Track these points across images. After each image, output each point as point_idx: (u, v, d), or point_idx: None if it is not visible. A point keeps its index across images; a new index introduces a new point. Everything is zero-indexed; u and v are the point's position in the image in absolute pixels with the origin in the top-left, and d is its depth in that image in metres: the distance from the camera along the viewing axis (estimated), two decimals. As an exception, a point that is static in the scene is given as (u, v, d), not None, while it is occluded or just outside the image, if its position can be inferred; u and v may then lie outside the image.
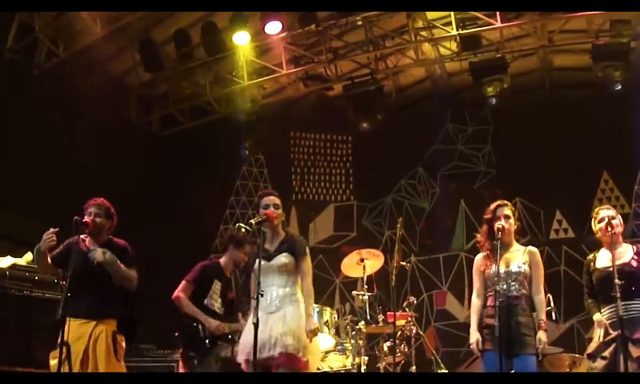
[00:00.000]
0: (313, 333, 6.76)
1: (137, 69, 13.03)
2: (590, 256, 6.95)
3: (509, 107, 13.51)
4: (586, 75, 13.13)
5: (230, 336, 8.43)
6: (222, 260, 8.95)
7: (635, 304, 6.50)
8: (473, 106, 14.36)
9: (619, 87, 12.43)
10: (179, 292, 8.56)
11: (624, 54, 12.07)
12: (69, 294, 6.49)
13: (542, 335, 6.59)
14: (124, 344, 7.20)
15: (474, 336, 6.82)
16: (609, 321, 6.61)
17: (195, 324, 8.45)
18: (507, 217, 7.04)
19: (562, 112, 13.80)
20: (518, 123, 13.82)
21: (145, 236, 12.14)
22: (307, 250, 7.15)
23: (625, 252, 6.75)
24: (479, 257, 7.15)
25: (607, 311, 6.66)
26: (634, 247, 6.86)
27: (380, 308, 10.40)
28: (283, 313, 6.77)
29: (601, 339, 6.60)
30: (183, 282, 8.63)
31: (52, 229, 6.92)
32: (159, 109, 14.20)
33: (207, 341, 8.38)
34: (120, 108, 13.55)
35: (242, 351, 6.80)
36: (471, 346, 6.84)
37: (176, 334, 8.64)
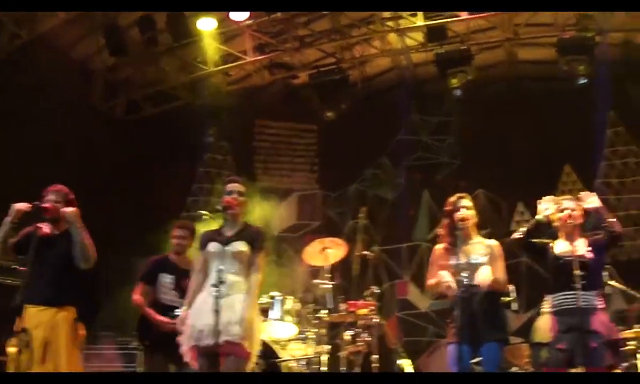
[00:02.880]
0: (252, 324, 6.67)
1: (102, 54, 12.91)
2: (549, 241, 6.98)
3: (474, 99, 13.57)
4: (551, 68, 13.26)
5: None
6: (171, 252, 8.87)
7: (589, 295, 6.56)
8: (438, 97, 14.39)
9: (583, 81, 12.56)
10: (134, 293, 8.53)
11: (588, 48, 12.21)
12: (27, 281, 6.42)
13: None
14: (83, 332, 7.11)
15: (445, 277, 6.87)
16: (561, 308, 6.65)
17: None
18: (467, 208, 7.08)
19: (526, 105, 13.90)
20: (482, 115, 13.87)
21: (108, 221, 12.09)
22: (265, 245, 7.09)
23: (581, 245, 6.82)
24: (438, 247, 7.18)
25: (560, 298, 6.69)
26: (587, 240, 6.92)
27: (343, 297, 10.40)
28: (232, 299, 6.71)
29: (556, 327, 6.63)
30: (139, 283, 8.61)
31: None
32: (123, 94, 14.10)
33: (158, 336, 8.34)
34: (84, 92, 13.42)
35: (190, 336, 6.73)
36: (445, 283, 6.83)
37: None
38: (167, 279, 8.56)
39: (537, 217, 7.02)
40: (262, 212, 9.24)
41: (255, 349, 6.89)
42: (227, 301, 6.65)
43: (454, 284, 6.79)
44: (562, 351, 6.45)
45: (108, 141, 12.75)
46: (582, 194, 6.99)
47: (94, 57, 13.37)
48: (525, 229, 7.00)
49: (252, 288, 6.88)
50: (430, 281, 7.17)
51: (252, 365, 7.00)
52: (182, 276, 8.51)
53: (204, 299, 6.68)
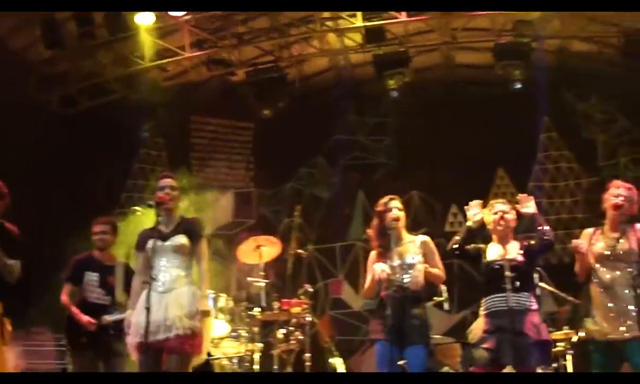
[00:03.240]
0: (204, 315, 6.72)
1: (38, 46, 12.68)
2: (482, 246, 7.08)
3: (410, 100, 13.67)
4: (487, 73, 13.40)
5: (115, 326, 8.26)
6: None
7: (520, 297, 6.67)
8: (375, 98, 14.46)
9: (519, 86, 12.75)
10: (62, 294, 8.45)
11: (525, 53, 12.38)
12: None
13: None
14: (10, 327, 6.96)
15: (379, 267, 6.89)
16: (492, 310, 6.74)
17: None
18: (399, 209, 7.14)
19: (461, 108, 14.05)
20: (418, 117, 13.98)
21: (42, 214, 11.94)
22: (204, 233, 7.10)
23: (513, 248, 6.92)
24: (373, 253, 7.23)
25: (492, 300, 6.79)
26: (520, 243, 7.03)
27: (276, 295, 10.40)
28: (177, 294, 6.69)
29: (484, 328, 6.72)
30: (65, 284, 8.52)
31: None
32: (59, 87, 13.85)
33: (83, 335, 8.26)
34: (20, 84, 13.17)
35: (135, 333, 6.69)
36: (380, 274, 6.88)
37: None
38: (92, 277, 8.45)
39: (467, 224, 7.11)
40: (197, 209, 9.20)
41: (207, 343, 6.91)
42: (171, 295, 6.64)
43: (387, 269, 6.84)
44: (489, 351, 6.54)
45: (43, 134, 12.53)
46: (520, 196, 7.07)
47: (30, 48, 13.13)
48: (458, 238, 7.07)
49: (201, 277, 6.89)
50: (366, 283, 7.22)
51: (203, 358, 7.03)
52: (106, 272, 8.47)
53: (146, 296, 6.62)
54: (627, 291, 6.61)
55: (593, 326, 6.79)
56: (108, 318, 8.23)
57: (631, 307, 6.50)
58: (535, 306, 6.81)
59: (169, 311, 6.54)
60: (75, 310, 8.28)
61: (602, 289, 6.76)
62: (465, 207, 7.20)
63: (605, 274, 6.77)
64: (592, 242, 6.99)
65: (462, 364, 7.52)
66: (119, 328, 7.92)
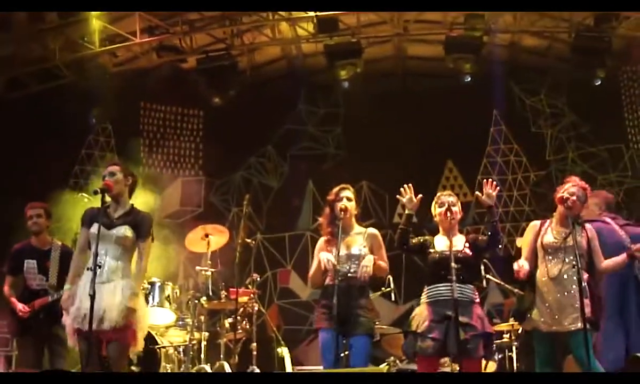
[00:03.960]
0: (132, 311, 6.65)
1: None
2: (428, 238, 7.10)
3: (361, 91, 13.68)
4: (438, 65, 13.50)
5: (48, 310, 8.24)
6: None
7: (465, 289, 6.71)
8: (326, 88, 14.46)
9: (468, 79, 12.87)
10: (5, 285, 8.49)
11: (475, 47, 12.50)
12: None
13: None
14: None
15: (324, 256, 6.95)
16: (435, 299, 6.77)
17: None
18: (349, 199, 7.16)
19: (412, 100, 14.10)
20: (369, 108, 13.98)
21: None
22: (151, 231, 7.03)
23: (460, 241, 6.96)
24: (321, 240, 7.24)
25: (436, 289, 6.81)
26: (466, 236, 7.08)
27: (224, 284, 10.36)
28: (114, 285, 6.66)
29: (429, 317, 6.74)
30: (6, 276, 8.54)
31: None
32: (5, 71, 13.60)
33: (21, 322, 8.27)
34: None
35: (75, 317, 6.63)
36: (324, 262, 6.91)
37: None
38: (30, 264, 8.43)
39: (406, 212, 7.10)
40: (145, 196, 9.11)
41: (143, 334, 6.87)
42: (109, 287, 6.62)
43: (332, 259, 6.87)
44: (435, 341, 6.57)
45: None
46: (487, 181, 7.03)
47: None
48: (402, 229, 7.05)
49: (137, 274, 6.85)
50: (311, 270, 7.23)
51: (138, 350, 7.00)
52: (44, 258, 8.47)
53: (84, 283, 6.60)
54: (572, 285, 6.68)
55: (538, 317, 6.86)
56: (39, 302, 8.21)
57: (575, 300, 6.56)
58: (478, 299, 6.89)
59: (103, 302, 6.51)
60: (12, 299, 8.31)
61: (548, 281, 6.85)
62: (398, 196, 7.18)
63: (552, 266, 6.87)
64: (541, 233, 7.06)
65: (405, 352, 7.51)
66: (52, 312, 7.95)
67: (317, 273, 7.13)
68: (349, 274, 6.88)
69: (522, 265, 6.88)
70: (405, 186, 7.13)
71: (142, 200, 7.79)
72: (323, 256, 6.96)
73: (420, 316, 6.80)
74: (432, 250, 6.96)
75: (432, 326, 6.63)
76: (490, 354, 7.00)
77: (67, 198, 12.37)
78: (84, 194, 9.96)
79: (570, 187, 7.03)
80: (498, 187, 6.94)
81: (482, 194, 6.88)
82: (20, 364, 8.42)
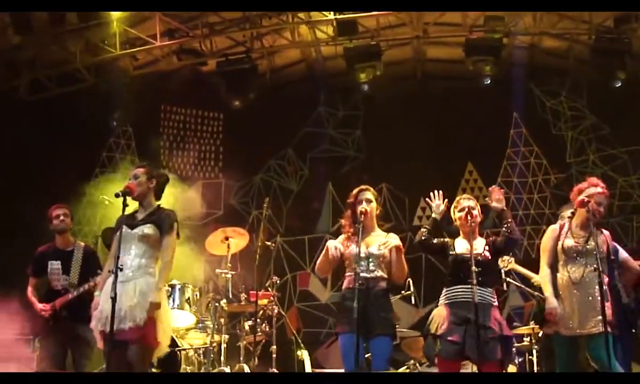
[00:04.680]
0: (154, 307, 6.66)
1: (6, 32, 12.50)
2: (449, 240, 7.11)
3: (381, 94, 13.68)
4: (457, 68, 13.47)
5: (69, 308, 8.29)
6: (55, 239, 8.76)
7: (484, 292, 6.70)
8: (345, 91, 14.45)
9: (488, 81, 12.82)
10: (29, 286, 8.54)
11: (495, 49, 12.45)
12: None
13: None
14: None
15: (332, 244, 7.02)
16: (456, 300, 6.77)
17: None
18: (369, 201, 7.15)
19: (432, 102, 14.09)
20: (388, 111, 13.99)
21: (7, 203, 11.82)
22: (175, 226, 7.05)
23: (480, 244, 6.96)
24: (340, 238, 7.24)
25: (455, 291, 6.82)
26: (486, 240, 7.09)
27: (244, 286, 10.37)
28: (134, 284, 6.67)
29: (448, 318, 6.74)
30: (29, 278, 8.58)
31: None
32: (26, 73, 13.69)
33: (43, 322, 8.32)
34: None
35: (99, 319, 6.67)
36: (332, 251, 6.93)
37: None
38: (55, 265, 8.51)
39: (432, 216, 7.15)
40: (165, 199, 9.14)
41: (166, 334, 6.89)
42: (130, 285, 6.63)
43: (341, 247, 6.94)
44: (454, 343, 6.57)
45: (11, 121, 12.40)
46: (492, 189, 7.09)
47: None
48: (425, 230, 7.11)
49: (162, 269, 6.86)
50: (319, 259, 7.23)
51: (163, 351, 7.00)
52: (68, 258, 8.54)
53: (109, 284, 6.60)
54: (594, 288, 6.66)
55: (559, 321, 6.83)
56: (60, 301, 8.29)
57: (597, 303, 6.54)
58: (496, 302, 6.90)
59: (124, 302, 6.52)
60: (32, 300, 8.39)
61: (570, 285, 6.82)
62: (428, 199, 7.23)
63: (574, 271, 6.83)
64: (561, 237, 7.04)
65: (425, 354, 7.52)
66: (74, 310, 8.00)
67: (323, 261, 7.13)
68: (369, 276, 6.87)
69: (554, 308, 6.83)
70: (435, 191, 7.16)
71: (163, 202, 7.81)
72: (331, 244, 6.99)
73: (440, 317, 6.80)
74: (452, 252, 6.98)
75: (452, 328, 6.64)
76: (508, 358, 6.97)
77: (87, 200, 12.49)
78: (104, 197, 9.97)
79: (597, 196, 6.99)
80: (503, 190, 7.04)
81: (491, 202, 6.93)
82: (42, 364, 8.45)
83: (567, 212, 7.34)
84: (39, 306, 8.29)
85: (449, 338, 6.61)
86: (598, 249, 6.61)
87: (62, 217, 8.59)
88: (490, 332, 6.59)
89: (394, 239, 7.09)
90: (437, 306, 7.05)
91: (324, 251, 7.10)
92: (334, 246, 6.97)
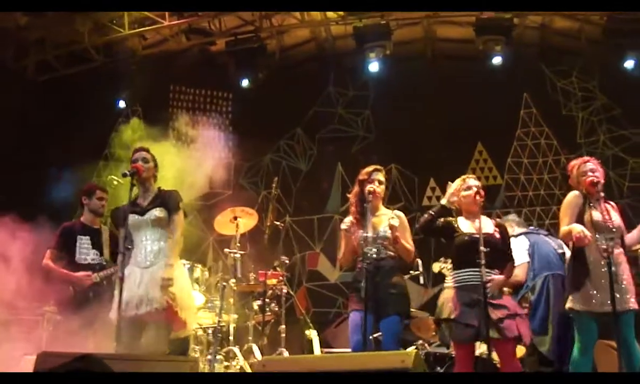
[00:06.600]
0: (166, 283, 6.72)
1: (14, 12, 12.49)
2: (452, 219, 7.05)
3: (390, 74, 13.63)
4: (468, 47, 13.40)
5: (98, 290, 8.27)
6: (83, 216, 8.78)
7: (493, 273, 6.65)
8: (355, 70, 14.39)
9: (499, 61, 12.76)
10: (46, 259, 8.38)
11: (506, 29, 12.39)
12: None
13: None
14: None
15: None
16: (466, 284, 6.72)
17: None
18: (380, 182, 7.14)
19: (441, 82, 13.99)
20: (398, 90, 13.95)
21: (17, 183, 11.85)
22: (181, 204, 7.11)
23: (487, 224, 6.91)
24: (347, 220, 7.22)
25: (464, 274, 6.77)
26: (492, 220, 7.06)
27: (252, 266, 10.37)
28: (157, 268, 6.76)
29: (459, 301, 6.70)
30: (48, 251, 8.44)
31: None
32: (35, 53, 13.69)
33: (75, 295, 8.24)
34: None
35: (127, 303, 6.74)
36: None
37: None
38: (84, 240, 8.49)
39: (442, 201, 7.08)
40: (174, 179, 9.14)
41: (191, 314, 7.00)
42: (152, 270, 6.73)
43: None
44: (470, 327, 6.51)
45: (19, 101, 12.39)
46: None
47: (5, 15, 12.93)
48: (432, 212, 7.05)
49: (171, 247, 6.97)
50: (340, 252, 7.24)
51: (189, 331, 7.09)
52: (96, 235, 8.59)
53: (130, 271, 6.76)
54: (622, 264, 6.64)
55: (588, 297, 6.75)
56: (103, 274, 8.31)
57: (624, 280, 6.56)
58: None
59: (149, 286, 6.65)
60: (64, 271, 8.26)
61: (601, 259, 6.68)
62: (448, 183, 7.17)
63: (604, 245, 6.66)
64: (587, 209, 6.92)
65: (441, 340, 7.53)
66: (98, 293, 8.12)
67: (347, 252, 7.14)
68: (377, 257, 6.87)
69: (581, 230, 6.68)
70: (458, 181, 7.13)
71: (171, 184, 7.81)
72: (343, 226, 7.05)
73: (450, 301, 6.76)
74: (458, 233, 6.92)
75: (465, 311, 6.57)
76: (526, 334, 6.80)
77: (96, 180, 12.50)
78: (113, 177, 9.98)
79: (589, 165, 7.08)
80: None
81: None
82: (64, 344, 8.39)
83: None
84: (79, 273, 8.20)
85: (464, 322, 6.55)
86: (620, 223, 6.64)
87: (104, 202, 8.71)
88: (504, 308, 6.57)
89: (396, 220, 7.08)
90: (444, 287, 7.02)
91: (343, 241, 7.10)
92: (346, 227, 7.00)
